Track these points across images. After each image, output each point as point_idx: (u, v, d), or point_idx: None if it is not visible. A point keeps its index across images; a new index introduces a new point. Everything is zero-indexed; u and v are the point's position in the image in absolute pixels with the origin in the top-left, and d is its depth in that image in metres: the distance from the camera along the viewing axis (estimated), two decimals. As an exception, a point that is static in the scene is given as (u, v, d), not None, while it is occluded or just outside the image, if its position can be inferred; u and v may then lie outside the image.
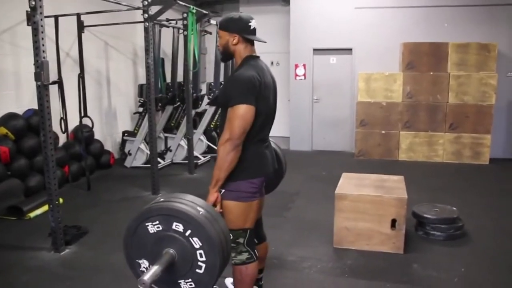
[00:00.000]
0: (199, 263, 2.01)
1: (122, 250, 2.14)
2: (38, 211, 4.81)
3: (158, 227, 2.03)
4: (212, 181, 2.41)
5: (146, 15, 5.39)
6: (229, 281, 3.12)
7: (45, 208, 4.18)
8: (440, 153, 7.71)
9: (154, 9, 5.57)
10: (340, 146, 8.78)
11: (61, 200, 4.86)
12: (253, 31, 2.49)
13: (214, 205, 2.43)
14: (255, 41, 2.52)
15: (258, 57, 2.53)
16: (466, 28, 7.81)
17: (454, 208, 4.37)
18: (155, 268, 1.96)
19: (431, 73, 7.59)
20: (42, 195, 4.87)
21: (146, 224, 2.05)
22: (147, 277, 1.90)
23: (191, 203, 2.05)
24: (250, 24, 2.47)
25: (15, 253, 3.90)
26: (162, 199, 2.11)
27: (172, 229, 2.00)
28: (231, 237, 2.46)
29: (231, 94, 2.34)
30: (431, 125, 7.69)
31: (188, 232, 1.98)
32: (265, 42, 2.52)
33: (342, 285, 3.33)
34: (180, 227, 1.99)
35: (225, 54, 2.53)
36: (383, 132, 7.87)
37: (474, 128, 7.55)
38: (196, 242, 1.98)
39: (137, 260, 2.15)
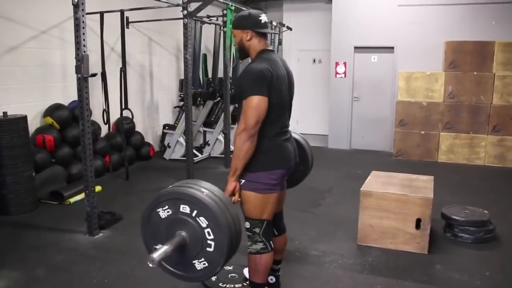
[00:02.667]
0: (208, 241, 2.12)
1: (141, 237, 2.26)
2: (78, 197, 5.09)
3: (168, 212, 2.15)
4: (231, 171, 2.51)
5: (185, 12, 5.55)
6: (246, 270, 3.21)
7: (84, 194, 4.41)
8: (481, 155, 7.48)
9: (194, 6, 5.72)
10: (379, 145, 8.68)
11: (99, 187, 5.16)
12: (265, 25, 2.59)
13: (233, 194, 2.53)
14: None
15: (272, 50, 2.62)
16: (514, 26, 7.53)
17: (486, 211, 4.27)
18: (165, 247, 2.08)
19: (475, 73, 7.37)
20: (82, 182, 5.13)
21: (158, 210, 2.17)
22: (156, 254, 2.03)
23: (196, 186, 2.16)
24: (260, 18, 2.57)
25: (53, 234, 4.17)
26: (170, 186, 2.23)
27: (180, 212, 2.12)
28: (248, 226, 2.57)
29: (244, 87, 2.43)
30: (473, 127, 7.47)
31: (195, 212, 2.09)
32: (276, 33, 2.60)
33: (360, 281, 3.36)
34: (187, 209, 2.10)
35: (241, 51, 2.64)
36: (422, 132, 7.73)
37: (519, 131, 7.28)
38: (203, 221, 2.09)
39: (154, 246, 2.27)
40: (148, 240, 2.29)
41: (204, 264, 2.17)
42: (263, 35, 2.60)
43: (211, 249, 2.12)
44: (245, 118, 2.40)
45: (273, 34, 8.69)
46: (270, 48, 2.64)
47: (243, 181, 2.53)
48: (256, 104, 2.38)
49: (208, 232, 2.09)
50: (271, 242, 2.63)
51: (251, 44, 2.58)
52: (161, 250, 2.06)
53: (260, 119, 2.41)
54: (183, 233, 2.14)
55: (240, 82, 2.50)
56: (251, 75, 2.43)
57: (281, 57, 2.65)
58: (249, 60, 2.64)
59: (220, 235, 2.08)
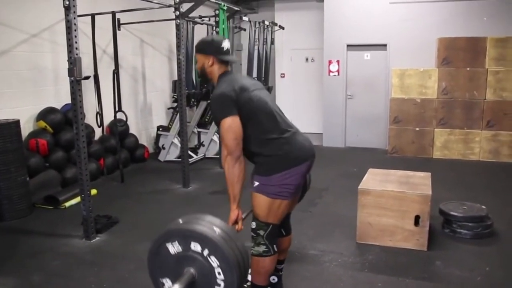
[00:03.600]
0: (218, 281, 2.09)
1: (147, 269, 2.23)
2: (73, 201, 5.04)
3: (178, 248, 2.12)
4: (230, 199, 2.53)
5: (177, 12, 5.52)
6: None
7: (80, 198, 4.37)
8: (476, 151, 7.50)
9: (186, 7, 5.69)
10: (374, 143, 8.68)
11: (94, 191, 5.11)
12: (227, 52, 2.66)
13: (236, 222, 2.54)
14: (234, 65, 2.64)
15: (229, 71, 2.68)
16: (506, 22, 7.55)
17: (483, 207, 4.27)
18: (175, 287, 2.05)
19: (468, 68, 7.40)
20: (77, 186, 5.09)
21: (167, 244, 2.14)
22: None
23: (207, 223, 2.14)
24: (223, 46, 2.63)
25: (49, 240, 4.12)
26: (181, 221, 2.20)
27: (191, 249, 2.09)
28: (254, 227, 2.56)
29: (215, 113, 2.53)
30: (467, 122, 7.50)
31: (206, 251, 2.06)
32: (236, 61, 2.64)
33: (360, 279, 3.34)
34: (198, 247, 2.07)
35: (203, 76, 2.71)
36: (417, 129, 7.74)
37: (513, 126, 7.31)
38: (213, 261, 2.06)
39: (160, 279, 2.24)
40: (155, 273, 2.25)
41: None
42: (224, 62, 2.65)
43: None
44: (224, 142, 2.47)
45: (265, 33, 8.68)
46: (228, 69, 2.69)
47: (256, 183, 2.53)
48: (228, 126, 2.44)
49: (219, 272, 2.07)
50: (274, 245, 2.60)
51: (213, 70, 2.65)
52: None
53: (239, 138, 2.45)
54: (192, 270, 2.12)
55: (211, 111, 2.61)
56: (216, 101, 2.51)
57: (241, 74, 2.68)
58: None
59: (231, 276, 2.06)
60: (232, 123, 2.43)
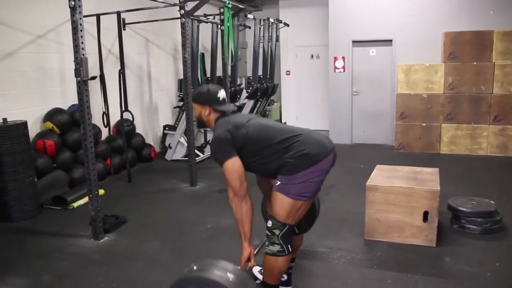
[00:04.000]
0: None
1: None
2: (81, 201, 5.06)
3: None
4: (241, 237, 2.59)
5: (182, 11, 5.51)
6: (256, 269, 3.19)
7: (87, 198, 4.39)
8: (484, 146, 7.46)
9: (190, 5, 5.68)
10: (380, 139, 8.65)
11: (102, 191, 5.13)
12: (222, 102, 2.73)
13: (249, 259, 2.58)
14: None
15: (224, 113, 2.73)
16: (513, 15, 7.50)
17: (492, 202, 4.24)
18: None
19: (475, 63, 7.34)
20: (85, 186, 5.10)
21: None
22: None
23: (220, 270, 2.14)
24: (218, 96, 2.72)
25: (57, 240, 4.13)
26: (195, 267, 2.19)
27: None
28: (270, 225, 2.57)
29: (216, 158, 2.58)
30: (474, 117, 7.44)
31: None
32: (233, 110, 2.78)
33: (369, 276, 3.33)
34: None
35: (200, 123, 2.81)
36: (423, 124, 7.70)
37: (521, 120, 7.26)
38: None
39: None
40: None
41: None
42: (220, 111, 2.72)
43: None
44: (229, 184, 2.54)
45: (270, 30, 8.66)
46: (224, 113, 2.75)
47: (278, 182, 2.54)
48: (230, 168, 2.51)
49: None
50: (289, 245, 2.60)
51: (209, 119, 2.74)
52: None
53: (242, 177, 2.52)
54: None
55: (212, 156, 2.63)
56: (214, 146, 2.59)
57: (234, 114, 2.78)
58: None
59: None
60: (233, 165, 2.51)
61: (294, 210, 2.52)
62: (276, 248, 2.56)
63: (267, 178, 2.82)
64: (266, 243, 2.59)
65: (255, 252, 2.67)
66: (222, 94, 2.74)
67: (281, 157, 2.50)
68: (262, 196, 3.16)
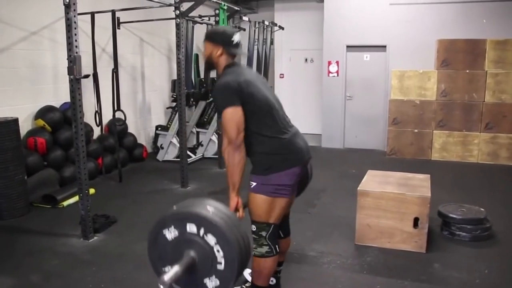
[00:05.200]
0: (219, 259, 2.07)
1: (148, 262, 2.21)
2: (71, 200, 5.02)
3: (174, 233, 2.10)
4: (230, 187, 2.52)
5: (177, 12, 5.50)
6: (247, 271, 3.18)
7: (78, 197, 4.36)
8: (475, 153, 7.51)
9: (186, 6, 5.67)
10: (372, 144, 8.68)
11: (93, 190, 5.09)
12: (236, 45, 2.63)
13: (237, 209, 2.53)
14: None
15: (235, 63, 2.65)
16: (505, 24, 7.55)
17: (482, 209, 4.27)
18: (175, 268, 2.03)
19: (467, 71, 7.40)
20: (75, 185, 5.07)
21: (164, 231, 2.13)
22: (167, 277, 1.98)
23: (200, 204, 2.13)
24: (233, 39, 2.61)
25: (47, 239, 4.10)
26: (175, 207, 2.19)
27: (187, 232, 2.07)
28: (255, 229, 2.55)
29: (218, 103, 2.54)
30: (466, 125, 7.50)
31: (202, 230, 2.04)
32: (244, 53, 2.64)
33: (359, 281, 3.34)
34: (194, 228, 2.05)
35: (209, 64, 2.69)
36: (416, 130, 7.74)
37: (511, 128, 7.31)
38: (211, 239, 2.04)
39: (162, 268, 2.22)
40: (155, 263, 2.24)
41: (216, 282, 2.13)
42: (232, 54, 2.64)
43: (221, 267, 2.08)
44: (226, 132, 2.47)
45: (265, 33, 8.66)
46: (235, 61, 2.68)
47: (253, 184, 2.52)
48: (230, 116, 2.43)
49: (218, 250, 2.05)
50: (276, 246, 2.61)
51: (219, 61, 2.62)
52: (171, 273, 2.00)
53: (240, 127, 2.44)
54: (192, 253, 2.10)
55: (214, 100, 2.58)
56: (219, 91, 2.51)
57: (247, 67, 2.67)
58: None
59: (230, 251, 2.04)
60: (234, 113, 2.43)
61: (275, 208, 2.52)
62: (265, 249, 2.56)
63: None
64: (254, 245, 2.58)
65: (242, 204, 2.59)
66: (237, 37, 2.63)
67: (262, 145, 2.49)
68: None
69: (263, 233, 2.54)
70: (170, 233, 2.11)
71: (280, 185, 2.49)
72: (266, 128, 2.50)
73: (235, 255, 2.04)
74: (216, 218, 2.05)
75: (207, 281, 2.12)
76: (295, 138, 2.59)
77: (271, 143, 2.50)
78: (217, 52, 2.59)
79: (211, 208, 2.10)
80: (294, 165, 2.52)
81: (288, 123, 2.63)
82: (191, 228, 2.06)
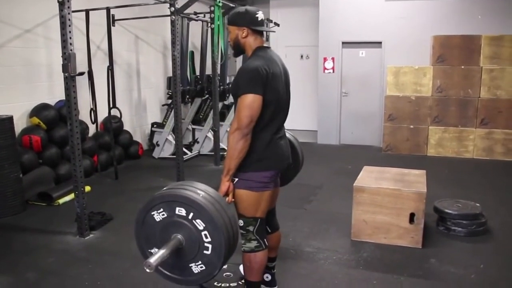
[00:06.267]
0: (206, 244, 2.07)
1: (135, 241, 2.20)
2: (66, 198, 5.01)
3: (163, 215, 2.09)
4: (224, 171, 2.47)
5: (172, 9, 5.49)
6: (242, 268, 3.18)
7: (73, 195, 4.35)
8: (470, 149, 7.53)
9: (181, 3, 5.66)
10: (368, 140, 8.70)
11: (88, 188, 5.09)
12: (261, 22, 2.54)
13: (227, 194, 2.49)
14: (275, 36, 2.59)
15: (268, 47, 2.57)
16: (500, 20, 7.57)
17: (477, 204, 4.29)
18: (161, 252, 2.02)
19: (463, 66, 7.42)
20: (71, 182, 5.05)
21: (152, 213, 2.11)
22: (153, 259, 1.97)
23: (191, 187, 2.11)
24: (257, 15, 2.51)
25: (43, 237, 4.09)
26: (165, 188, 2.18)
27: (176, 215, 2.06)
28: (242, 224, 2.54)
29: (239, 85, 2.38)
30: (462, 120, 7.52)
31: (191, 215, 2.03)
32: (273, 31, 2.57)
33: (356, 277, 3.34)
34: (183, 211, 2.05)
35: (236, 48, 2.58)
36: (411, 126, 7.76)
37: (507, 124, 7.32)
38: (199, 224, 2.04)
39: (149, 250, 2.21)
40: (142, 244, 2.23)
41: (202, 267, 2.13)
42: (259, 33, 2.54)
43: (208, 252, 2.08)
44: (238, 117, 2.36)
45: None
46: (266, 45, 2.58)
47: (236, 179, 2.50)
48: (249, 103, 2.34)
49: (205, 235, 2.04)
50: (265, 240, 2.61)
51: (247, 42, 2.52)
52: (157, 255, 1.99)
53: (254, 117, 2.36)
54: (179, 236, 2.09)
55: (236, 80, 2.44)
56: (246, 73, 2.38)
57: (278, 55, 2.60)
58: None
59: (218, 237, 2.03)
60: (254, 102, 2.34)
61: (258, 202, 2.52)
62: (253, 244, 2.56)
63: None
64: (242, 241, 2.57)
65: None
66: (261, 15, 2.55)
67: (255, 139, 2.45)
68: None
69: (251, 228, 2.54)
70: (159, 215, 2.10)
71: (260, 182, 2.49)
72: (262, 127, 2.46)
73: (222, 241, 2.04)
74: (206, 202, 2.04)
75: (192, 265, 2.12)
76: (282, 140, 2.59)
77: (260, 143, 2.47)
78: (242, 33, 2.50)
79: (201, 192, 2.09)
80: (274, 168, 2.54)
81: (282, 125, 2.63)
82: (180, 211, 2.05)
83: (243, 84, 2.36)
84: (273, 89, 2.44)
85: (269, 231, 2.84)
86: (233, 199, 2.52)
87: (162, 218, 2.10)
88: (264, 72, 2.36)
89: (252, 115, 2.35)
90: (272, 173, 2.54)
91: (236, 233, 2.17)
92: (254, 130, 2.42)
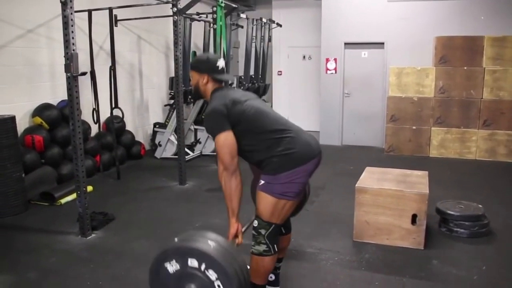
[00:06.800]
0: None
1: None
2: (68, 198, 5.01)
3: (176, 266, 2.11)
4: (229, 213, 2.53)
5: (175, 9, 5.49)
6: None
7: (75, 195, 4.35)
8: (473, 150, 7.52)
9: (183, 3, 5.66)
10: (370, 141, 8.69)
11: (90, 188, 5.09)
12: (221, 71, 2.65)
13: (236, 236, 2.54)
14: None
15: (221, 87, 2.66)
16: (503, 21, 7.56)
17: (480, 206, 4.27)
18: None
19: (465, 67, 7.40)
20: (73, 182, 5.05)
21: (165, 264, 2.13)
22: None
23: (202, 239, 2.14)
24: (218, 64, 2.63)
25: (45, 236, 4.09)
26: (177, 239, 2.19)
27: (188, 266, 2.08)
28: (256, 224, 2.54)
29: (209, 129, 2.53)
30: (464, 121, 7.51)
31: (203, 266, 2.05)
32: (232, 82, 2.66)
33: (357, 278, 3.34)
34: (195, 263, 2.06)
35: (196, 93, 2.71)
36: (414, 127, 7.74)
37: (509, 125, 7.30)
38: (212, 274, 2.05)
39: None
40: None
41: None
42: (219, 80, 2.65)
43: None
44: (220, 158, 2.49)
45: (263, 30, 8.65)
46: (222, 85, 2.69)
47: (262, 182, 2.52)
48: (222, 141, 2.45)
49: (219, 285, 2.06)
50: (275, 245, 2.59)
51: (207, 88, 2.65)
52: None
53: (233, 152, 2.46)
54: (192, 287, 2.11)
55: (206, 127, 2.58)
56: (208, 118, 2.52)
57: (236, 89, 2.69)
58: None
59: (230, 287, 2.05)
60: (226, 139, 2.45)
61: (278, 209, 2.51)
62: (262, 247, 2.55)
63: (253, 165, 2.74)
64: (252, 243, 2.57)
65: (242, 230, 2.60)
66: (221, 63, 2.66)
67: (269, 150, 2.48)
68: (253, 177, 3.11)
69: (263, 231, 2.53)
70: (172, 266, 2.13)
71: (289, 183, 2.47)
72: (267, 135, 2.49)
73: None
74: (217, 254, 2.07)
75: None
76: (301, 134, 2.58)
77: (277, 146, 2.48)
78: (203, 81, 2.63)
79: (212, 242, 2.11)
80: (304, 162, 2.50)
81: (290, 125, 2.62)
82: (193, 262, 2.08)
83: (211, 128, 2.52)
84: (243, 111, 2.51)
85: (283, 232, 2.84)
86: (242, 241, 2.57)
87: (175, 270, 2.12)
88: (222, 108, 2.47)
89: (231, 151, 2.45)
90: (302, 170, 2.49)
91: (247, 280, 2.19)
92: (265, 144, 2.47)
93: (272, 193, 2.47)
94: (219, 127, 2.45)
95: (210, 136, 2.57)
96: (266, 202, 2.49)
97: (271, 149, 2.48)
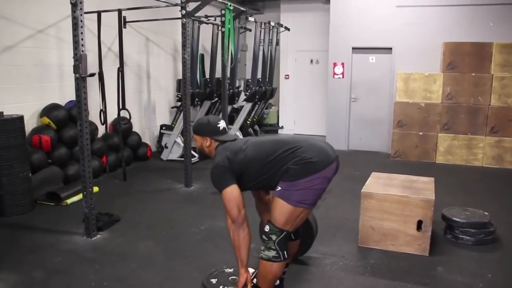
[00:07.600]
0: None
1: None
2: (75, 198, 5.03)
3: None
4: (238, 263, 2.62)
5: (183, 12, 5.51)
6: (250, 271, 3.17)
7: (81, 195, 4.37)
8: (479, 157, 7.48)
9: (192, 6, 5.68)
10: (377, 146, 8.67)
11: (96, 188, 5.11)
12: (222, 131, 2.75)
13: (245, 285, 2.60)
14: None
15: (222, 141, 2.74)
16: (512, 28, 7.54)
17: (486, 213, 4.25)
18: None
19: (473, 74, 7.37)
20: (79, 183, 5.07)
21: None
22: None
23: None
24: (218, 126, 2.73)
25: (50, 236, 4.11)
26: None
27: None
28: (267, 230, 2.57)
29: (215, 184, 2.60)
30: (471, 128, 7.47)
31: None
32: (234, 140, 2.74)
33: (362, 283, 3.32)
34: None
35: (202, 154, 2.84)
36: (420, 133, 7.72)
37: (517, 133, 7.28)
38: None
39: None
40: None
41: None
42: (222, 141, 2.74)
43: None
44: (227, 212, 2.57)
45: (271, 34, 8.66)
46: (223, 140, 2.76)
47: (279, 188, 2.54)
48: (229, 196, 2.54)
49: None
50: (285, 252, 2.60)
51: (211, 149, 2.76)
52: None
53: (240, 206, 2.54)
54: None
55: (212, 182, 2.65)
56: (213, 174, 2.62)
57: (233, 141, 2.76)
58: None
59: None
60: (231, 193, 2.53)
61: (293, 217, 2.51)
62: (272, 253, 2.55)
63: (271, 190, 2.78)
64: (262, 247, 2.58)
65: (251, 277, 2.69)
66: (222, 124, 2.76)
67: (285, 165, 2.50)
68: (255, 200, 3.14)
69: (273, 237, 2.54)
70: None
71: (307, 189, 2.47)
72: (278, 158, 2.53)
73: None
74: None
75: None
76: (315, 142, 2.62)
77: (292, 159, 2.50)
78: (206, 143, 2.75)
79: None
80: (322, 168, 2.51)
81: (295, 138, 2.66)
82: None
83: (216, 184, 2.61)
84: (244, 156, 2.58)
85: (292, 237, 2.84)
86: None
87: None
88: (224, 162, 2.56)
89: (238, 204, 2.53)
90: (320, 176, 2.50)
91: None
92: (282, 165, 2.50)
93: (288, 200, 2.48)
94: (224, 182, 2.54)
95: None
96: (282, 209, 2.50)
97: (287, 164, 2.49)
